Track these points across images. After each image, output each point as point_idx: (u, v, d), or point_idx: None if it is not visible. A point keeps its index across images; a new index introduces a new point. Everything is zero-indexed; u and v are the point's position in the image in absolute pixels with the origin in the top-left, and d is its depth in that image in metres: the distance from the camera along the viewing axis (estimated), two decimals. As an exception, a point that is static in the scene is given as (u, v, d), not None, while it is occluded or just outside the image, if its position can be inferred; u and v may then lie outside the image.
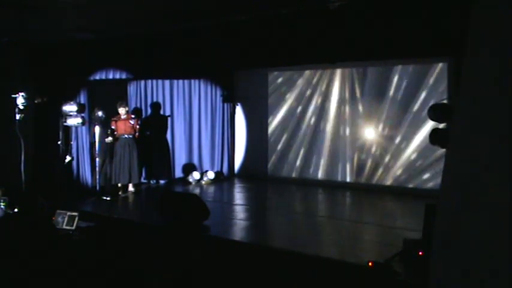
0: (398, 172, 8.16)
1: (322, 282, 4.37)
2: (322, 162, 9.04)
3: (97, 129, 7.81)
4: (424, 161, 7.87)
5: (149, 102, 9.40)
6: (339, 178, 8.82)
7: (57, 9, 5.94)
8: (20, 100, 6.37)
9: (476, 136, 1.23)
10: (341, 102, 8.82)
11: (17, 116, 6.43)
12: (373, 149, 8.45)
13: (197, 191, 8.55)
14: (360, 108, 8.58)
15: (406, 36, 6.26)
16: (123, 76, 9.05)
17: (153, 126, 9.39)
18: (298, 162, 9.33)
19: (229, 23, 7.24)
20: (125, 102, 8.42)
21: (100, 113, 7.86)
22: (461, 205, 1.23)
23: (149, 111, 9.41)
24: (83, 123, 7.80)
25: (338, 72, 8.81)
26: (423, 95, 7.77)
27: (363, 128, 8.58)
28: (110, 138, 7.88)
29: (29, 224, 3.51)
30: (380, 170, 8.38)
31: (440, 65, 7.65)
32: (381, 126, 8.36)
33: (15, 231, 3.40)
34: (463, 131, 1.28)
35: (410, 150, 8.03)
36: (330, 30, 6.58)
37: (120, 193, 8.12)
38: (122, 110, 8.04)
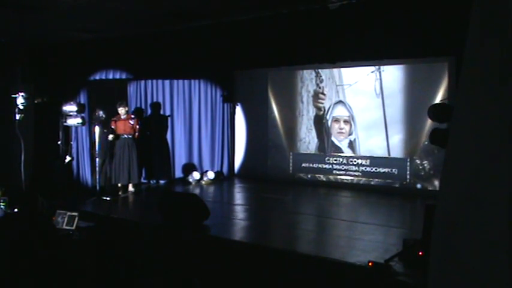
0: (397, 172, 8.16)
1: (322, 282, 4.37)
2: (322, 162, 9.03)
3: (97, 129, 7.82)
4: (426, 162, 7.87)
5: (149, 102, 9.40)
6: (340, 178, 8.82)
7: (57, 9, 5.94)
8: (20, 100, 6.37)
9: (476, 136, 1.23)
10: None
11: (17, 116, 6.43)
12: (375, 149, 8.45)
13: (197, 191, 8.54)
14: (361, 107, 8.57)
15: (406, 36, 6.26)
16: (123, 76, 9.05)
17: (153, 126, 9.39)
18: (298, 162, 9.33)
19: (229, 23, 7.24)
20: (124, 102, 8.41)
21: (101, 113, 7.87)
22: (461, 205, 1.23)
23: (149, 111, 9.41)
24: (83, 123, 7.80)
25: (338, 72, 8.81)
26: (423, 94, 7.76)
27: (364, 128, 8.58)
28: (111, 136, 7.89)
29: (29, 224, 3.51)
30: (381, 170, 8.38)
31: (440, 64, 7.65)
32: (381, 126, 8.36)
33: (15, 231, 3.40)
34: (463, 131, 1.28)
35: (413, 150, 8.03)
36: (330, 30, 6.59)
37: (120, 193, 8.12)
38: (121, 110, 8.03)
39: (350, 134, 8.73)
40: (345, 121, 8.78)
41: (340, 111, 8.82)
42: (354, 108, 8.65)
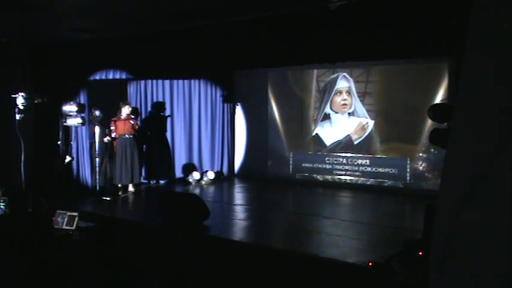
0: (397, 171, 8.16)
1: (322, 282, 4.37)
2: (322, 162, 9.03)
3: (97, 129, 7.82)
4: (426, 162, 7.87)
5: (149, 102, 9.40)
6: (339, 178, 8.82)
7: (57, 9, 5.94)
8: (20, 100, 6.37)
9: (476, 136, 1.23)
10: (341, 101, 8.81)
11: (17, 116, 6.42)
12: (374, 149, 8.45)
13: (197, 191, 8.54)
14: (361, 107, 8.57)
15: (406, 36, 6.26)
16: (123, 76, 9.04)
17: (153, 126, 9.39)
18: (298, 162, 9.33)
19: (229, 23, 7.24)
20: (128, 101, 8.48)
21: (97, 113, 7.88)
22: (461, 205, 1.23)
23: (149, 111, 9.41)
24: (83, 123, 7.80)
25: (338, 73, 8.80)
26: (423, 94, 7.76)
27: (363, 128, 8.57)
28: (107, 138, 7.89)
29: (29, 224, 3.51)
30: (381, 170, 8.38)
31: (440, 64, 7.64)
32: (381, 127, 8.36)
33: (15, 231, 3.40)
34: (463, 131, 1.28)
35: (413, 149, 8.03)
36: (330, 30, 6.58)
37: (120, 193, 8.12)
38: (126, 110, 8.06)
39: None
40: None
41: (340, 115, 8.81)
42: (353, 112, 8.64)
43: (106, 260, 4.13)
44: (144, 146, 9.09)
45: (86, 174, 8.70)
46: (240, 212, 7.17)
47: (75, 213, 5.03)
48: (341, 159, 8.83)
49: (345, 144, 8.77)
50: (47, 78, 8.27)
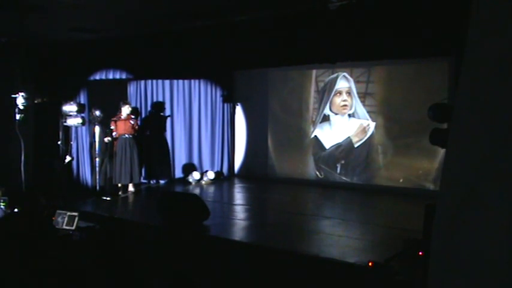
0: (398, 172, 8.16)
1: (322, 282, 4.37)
2: (323, 162, 9.03)
3: (97, 129, 7.82)
4: (426, 162, 7.86)
5: (149, 102, 9.40)
6: (339, 178, 8.82)
7: (57, 9, 5.94)
8: (20, 100, 6.37)
9: (476, 136, 1.23)
10: (341, 102, 8.81)
11: (17, 116, 6.43)
12: (374, 149, 8.44)
13: (197, 191, 8.54)
14: (361, 108, 8.57)
15: (406, 36, 6.25)
16: (123, 76, 9.04)
17: (153, 126, 9.39)
18: (298, 163, 9.33)
19: (229, 23, 7.24)
20: (129, 101, 8.48)
21: (97, 113, 7.89)
22: (461, 205, 1.23)
23: (149, 111, 9.41)
24: (83, 123, 7.80)
25: (338, 72, 8.80)
26: (423, 94, 7.75)
27: (364, 130, 8.57)
28: (108, 138, 7.90)
29: (29, 224, 3.51)
30: (380, 171, 8.37)
31: (440, 64, 7.63)
32: (381, 127, 8.35)
33: (15, 231, 3.40)
34: (463, 131, 1.28)
35: (412, 150, 8.02)
36: (330, 30, 6.58)
37: (120, 193, 8.13)
38: (126, 109, 8.07)
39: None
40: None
41: (339, 116, 8.82)
42: (353, 113, 8.64)
43: (106, 260, 4.13)
44: (144, 146, 9.08)
45: (86, 174, 8.71)
46: (240, 212, 7.17)
47: (75, 213, 5.03)
48: (342, 160, 8.81)
49: (345, 147, 8.75)
50: (47, 78, 8.27)
